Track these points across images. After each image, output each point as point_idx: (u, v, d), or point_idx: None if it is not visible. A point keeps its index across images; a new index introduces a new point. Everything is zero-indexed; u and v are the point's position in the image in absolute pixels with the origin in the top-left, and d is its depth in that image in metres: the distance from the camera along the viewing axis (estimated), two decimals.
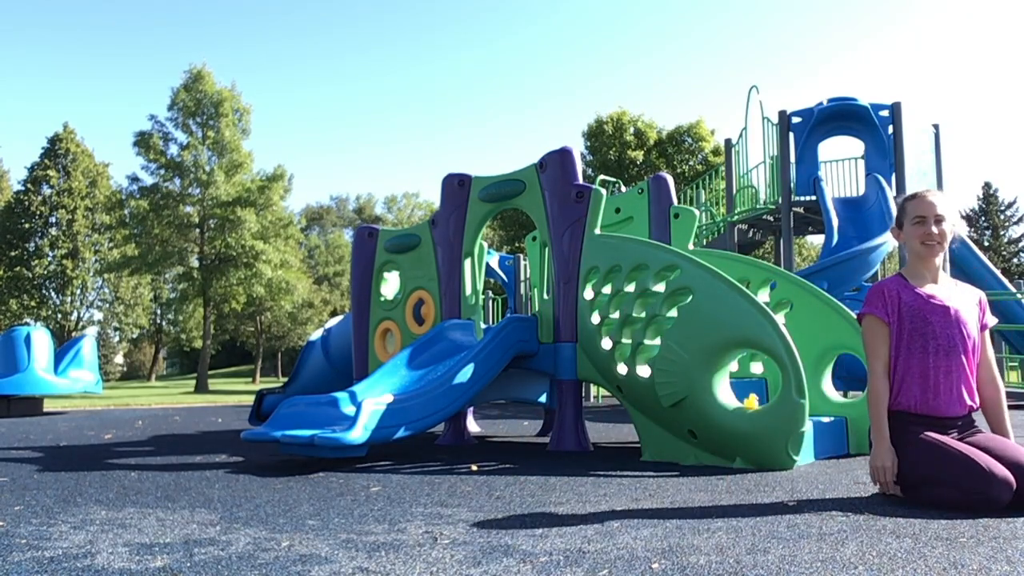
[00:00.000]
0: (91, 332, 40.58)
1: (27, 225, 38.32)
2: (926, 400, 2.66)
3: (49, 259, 38.73)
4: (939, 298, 2.71)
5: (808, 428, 3.55)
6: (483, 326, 5.01)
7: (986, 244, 43.42)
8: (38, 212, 38.70)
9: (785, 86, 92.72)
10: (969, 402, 2.69)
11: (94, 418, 8.89)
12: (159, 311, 47.60)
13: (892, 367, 2.71)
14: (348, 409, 3.95)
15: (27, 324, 31.18)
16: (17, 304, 37.18)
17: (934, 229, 2.71)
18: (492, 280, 11.19)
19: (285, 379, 11.07)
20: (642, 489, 2.98)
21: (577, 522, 2.31)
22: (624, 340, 4.13)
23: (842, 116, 10.85)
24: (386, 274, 5.62)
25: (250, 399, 12.89)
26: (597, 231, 4.44)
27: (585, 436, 4.58)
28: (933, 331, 2.66)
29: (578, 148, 34.31)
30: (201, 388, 28.20)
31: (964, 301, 2.75)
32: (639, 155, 33.60)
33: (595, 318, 4.35)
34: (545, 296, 4.72)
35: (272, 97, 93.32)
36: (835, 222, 9.71)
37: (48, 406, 10.96)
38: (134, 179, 30.43)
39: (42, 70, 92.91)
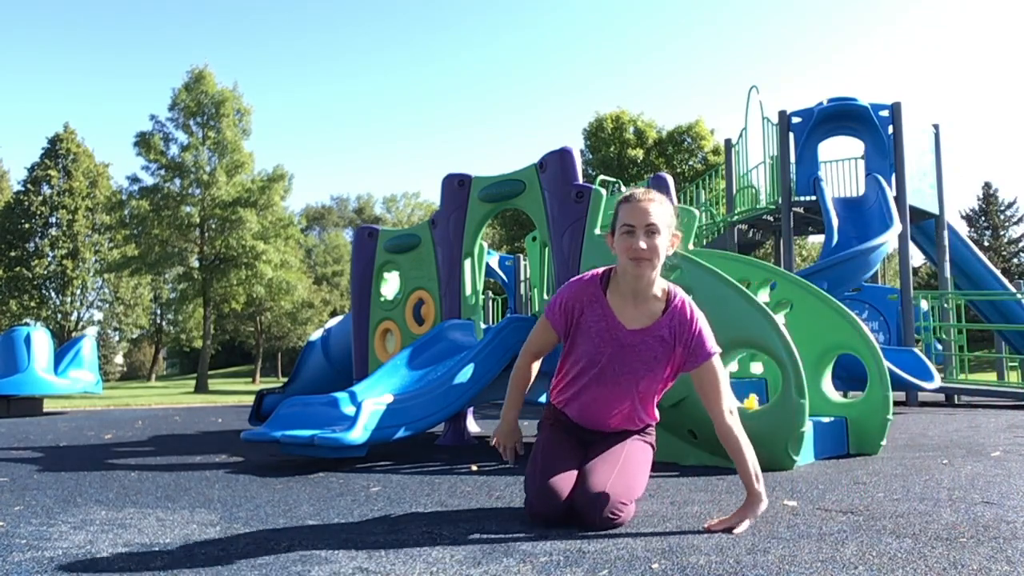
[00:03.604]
0: (91, 332, 40.61)
1: (27, 225, 38.34)
2: (571, 407, 2.53)
3: (49, 259, 38.75)
4: (624, 330, 2.36)
5: (808, 428, 3.55)
6: (483, 326, 5.01)
7: (986, 244, 43.41)
8: (38, 212, 38.72)
9: (785, 86, 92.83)
10: (620, 427, 2.51)
11: (94, 418, 8.89)
12: (159, 311, 47.64)
13: (561, 364, 2.53)
14: (348, 409, 3.95)
15: (27, 324, 31.19)
16: (17, 304, 37.19)
17: (642, 243, 2.26)
18: (492, 280, 11.19)
19: (285, 379, 11.07)
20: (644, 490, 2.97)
21: (575, 522, 2.31)
22: None
23: (842, 116, 10.84)
24: (386, 274, 5.62)
25: (250, 399, 12.90)
26: (597, 231, 4.44)
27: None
28: (602, 362, 2.39)
29: (578, 147, 34.35)
30: (201, 388, 28.22)
31: (657, 334, 2.36)
32: (639, 154, 33.63)
33: None
34: (545, 296, 4.72)
35: (273, 97, 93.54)
36: (835, 222, 9.71)
37: (48, 406, 10.96)
38: (134, 179, 30.48)
39: (42, 70, 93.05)
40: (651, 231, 2.26)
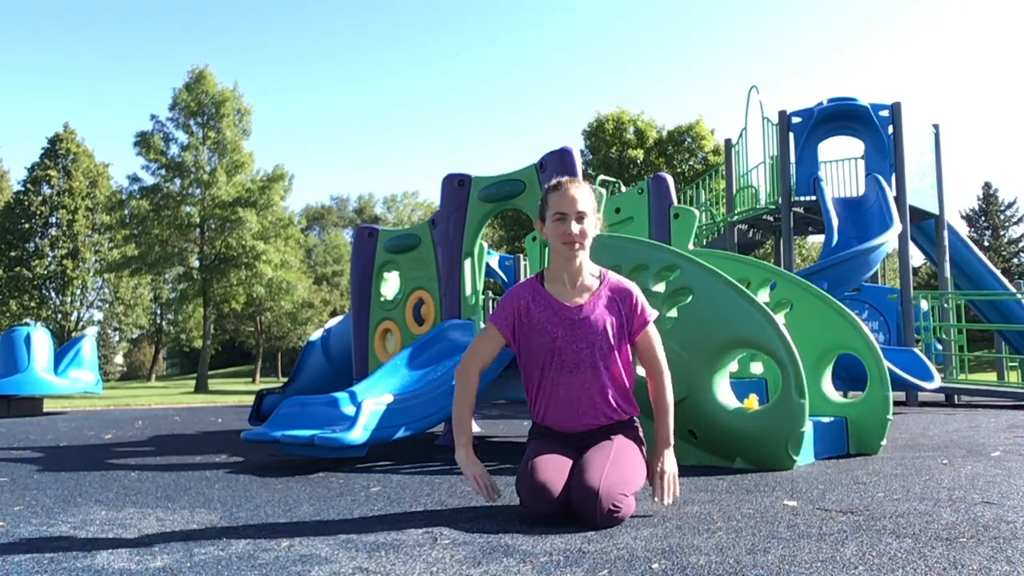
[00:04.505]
0: (91, 332, 40.59)
1: (27, 225, 38.33)
2: (549, 415, 2.56)
3: (49, 259, 38.74)
4: (569, 308, 2.51)
5: (808, 428, 3.55)
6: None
7: (986, 244, 43.43)
8: (38, 212, 38.71)
9: (785, 86, 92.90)
10: (602, 418, 2.53)
11: (94, 418, 8.89)
12: (159, 311, 47.63)
13: (526, 380, 2.60)
14: (348, 409, 3.95)
15: (27, 324, 31.18)
16: (17, 304, 37.18)
17: (574, 228, 2.47)
18: (492, 280, 11.20)
19: (285, 379, 11.08)
20: (642, 489, 2.97)
21: (577, 522, 2.31)
22: None
23: (842, 116, 10.85)
24: (386, 274, 5.62)
25: (250, 399, 12.90)
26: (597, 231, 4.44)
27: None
28: (558, 346, 2.49)
29: (578, 147, 34.36)
30: (201, 388, 28.22)
31: (601, 306, 2.53)
32: (639, 154, 33.63)
33: None
34: None
35: (273, 97, 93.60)
36: (835, 222, 9.70)
37: (48, 406, 10.96)
38: (135, 179, 30.48)
39: (42, 70, 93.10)
40: (581, 217, 2.49)
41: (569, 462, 2.42)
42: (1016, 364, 11.68)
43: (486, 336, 2.59)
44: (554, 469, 2.35)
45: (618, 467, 2.35)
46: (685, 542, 2.03)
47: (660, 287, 4.00)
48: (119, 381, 50.77)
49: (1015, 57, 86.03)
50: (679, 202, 5.72)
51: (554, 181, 2.59)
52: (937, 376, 7.66)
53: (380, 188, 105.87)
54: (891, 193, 9.99)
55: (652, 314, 2.61)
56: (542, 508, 2.28)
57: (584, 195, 2.52)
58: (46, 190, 39.36)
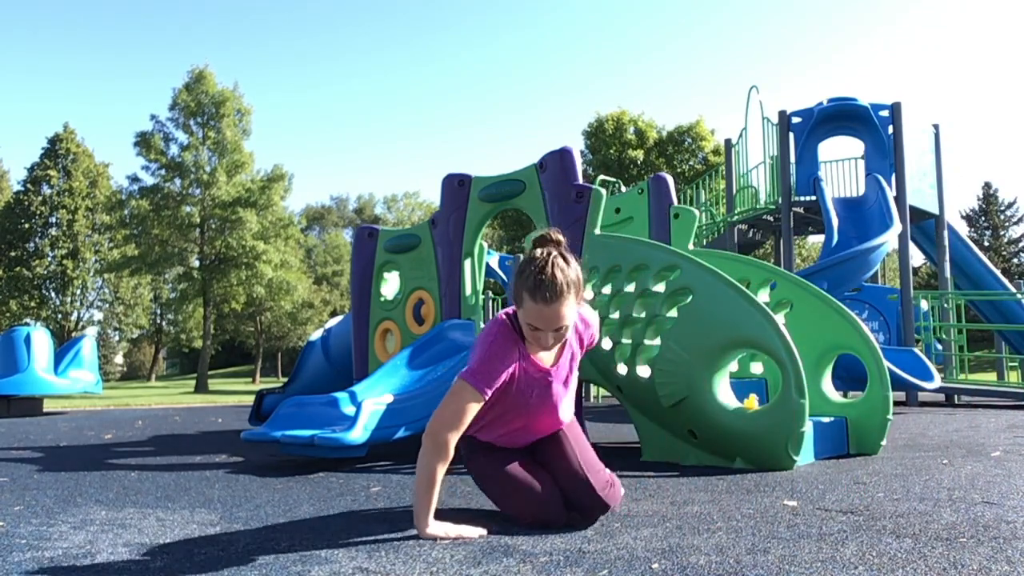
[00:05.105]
0: (91, 332, 40.59)
1: (27, 225, 38.35)
2: (500, 440, 2.46)
3: (49, 259, 38.75)
4: (544, 371, 2.35)
5: (808, 428, 3.55)
6: (483, 326, 5.00)
7: (986, 244, 43.44)
8: (38, 212, 38.72)
9: (785, 86, 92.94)
10: (555, 427, 2.47)
11: (94, 418, 8.89)
12: (159, 311, 47.64)
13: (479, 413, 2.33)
14: (348, 409, 3.95)
15: (27, 324, 31.18)
16: (17, 304, 37.18)
17: (551, 341, 2.23)
18: (492, 280, 11.20)
19: (285, 379, 11.08)
20: (642, 489, 2.98)
21: (577, 521, 2.31)
22: (624, 340, 4.12)
23: (842, 116, 10.84)
24: (386, 274, 5.61)
25: (250, 399, 12.90)
26: (597, 231, 4.44)
27: (585, 435, 4.57)
28: (529, 402, 2.36)
29: (578, 147, 34.34)
30: (201, 388, 28.23)
31: (568, 355, 2.41)
32: (639, 154, 33.62)
33: None
34: None
35: (273, 97, 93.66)
36: (835, 222, 9.70)
37: (48, 406, 10.96)
38: (135, 179, 30.51)
39: (42, 70, 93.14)
40: (559, 329, 2.20)
41: (533, 465, 2.39)
42: (1016, 364, 11.67)
43: (470, 402, 2.21)
44: (533, 476, 2.32)
45: (584, 449, 2.41)
46: (685, 542, 2.03)
47: (660, 287, 4.00)
48: (119, 381, 50.77)
49: (1015, 57, 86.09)
50: (679, 202, 5.72)
51: (532, 280, 2.14)
52: (937, 376, 7.66)
53: (380, 188, 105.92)
54: (891, 193, 9.98)
55: (597, 335, 2.57)
56: (553, 518, 2.25)
57: (567, 309, 2.17)
58: (46, 190, 39.36)
